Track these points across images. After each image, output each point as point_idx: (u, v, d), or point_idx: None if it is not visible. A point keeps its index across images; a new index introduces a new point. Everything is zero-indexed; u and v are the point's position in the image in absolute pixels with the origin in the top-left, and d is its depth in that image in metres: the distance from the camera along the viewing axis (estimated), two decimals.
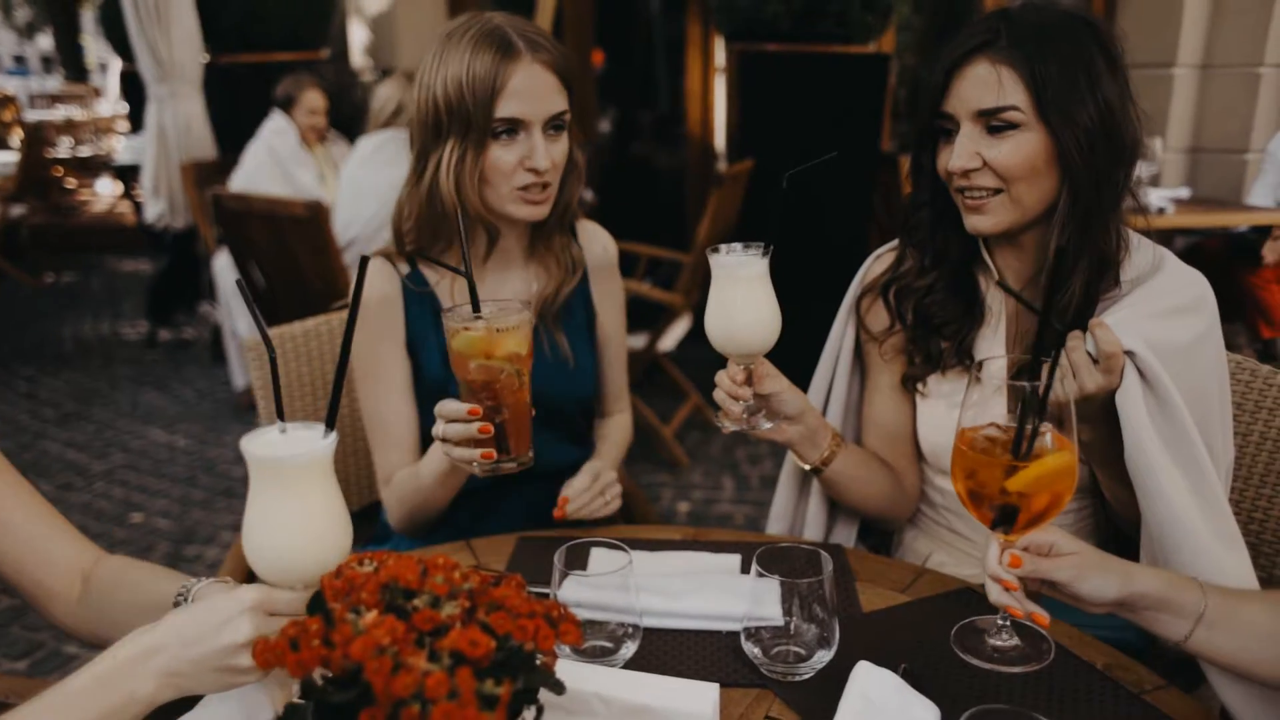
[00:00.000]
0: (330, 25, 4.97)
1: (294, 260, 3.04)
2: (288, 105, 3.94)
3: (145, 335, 5.27)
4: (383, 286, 1.45)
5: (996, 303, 1.35)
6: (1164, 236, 4.48)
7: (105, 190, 9.49)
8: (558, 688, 0.73)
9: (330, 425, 0.86)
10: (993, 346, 1.35)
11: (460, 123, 1.32)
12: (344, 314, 1.84)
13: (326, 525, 0.85)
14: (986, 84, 1.19)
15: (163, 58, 4.18)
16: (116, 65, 12.10)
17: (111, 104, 11.42)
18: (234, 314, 3.89)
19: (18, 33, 20.40)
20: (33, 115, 10.05)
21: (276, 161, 3.77)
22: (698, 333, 3.87)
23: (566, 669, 0.87)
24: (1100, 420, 1.22)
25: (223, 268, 3.76)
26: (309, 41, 4.80)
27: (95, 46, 13.19)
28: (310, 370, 1.81)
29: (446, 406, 1.20)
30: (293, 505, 0.83)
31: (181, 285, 4.89)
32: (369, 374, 1.47)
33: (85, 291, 6.68)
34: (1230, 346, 1.35)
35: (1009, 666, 1.03)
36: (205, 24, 4.34)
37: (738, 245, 1.23)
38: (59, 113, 10.21)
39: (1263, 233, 4.23)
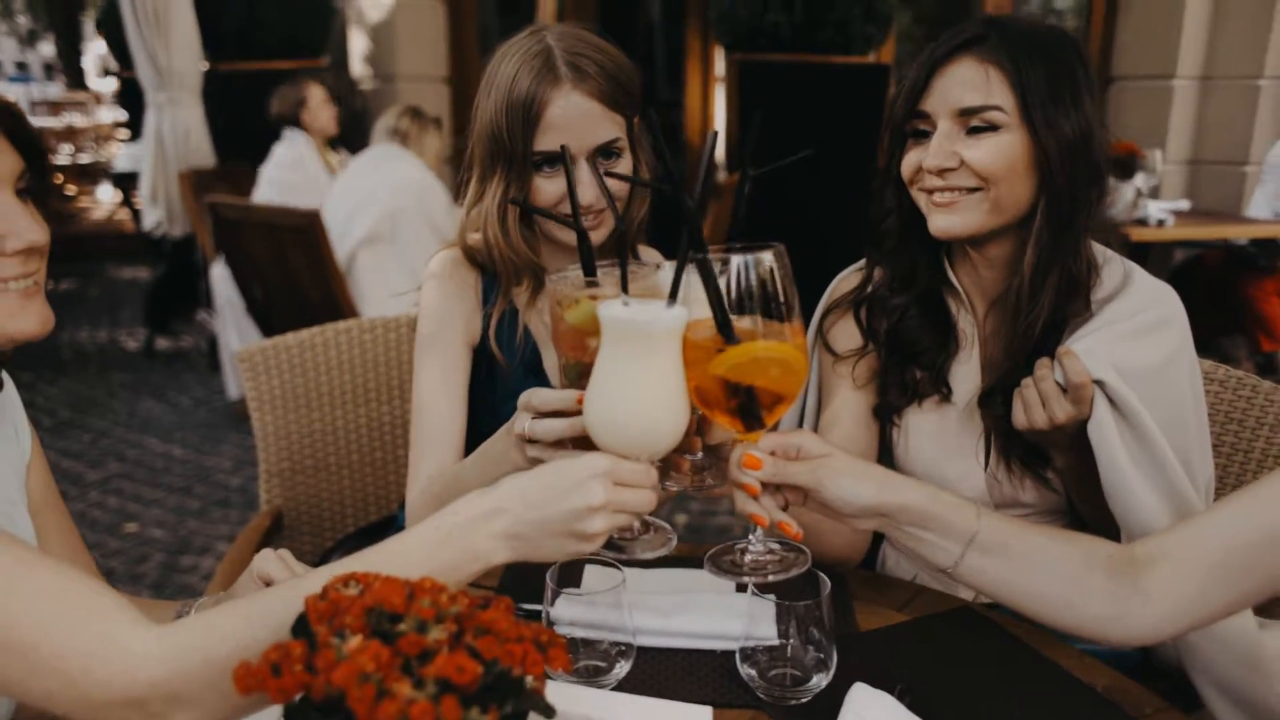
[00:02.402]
0: (330, 33, 4.98)
1: (292, 271, 3.04)
2: (297, 112, 3.92)
3: (143, 343, 5.26)
4: (460, 272, 1.37)
5: (969, 327, 1.33)
6: (1164, 248, 4.50)
7: (105, 197, 9.50)
8: (548, 712, 0.71)
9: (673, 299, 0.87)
10: (968, 374, 1.32)
11: (504, 156, 1.27)
12: (341, 325, 1.83)
13: (676, 396, 0.87)
14: (972, 82, 1.18)
15: (162, 65, 4.19)
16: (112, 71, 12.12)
17: (111, 110, 11.44)
18: (228, 325, 3.89)
19: (19, 40, 20.44)
20: (35, 122, 10.06)
21: (294, 171, 3.80)
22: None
23: (557, 691, 0.86)
24: (1072, 448, 1.21)
25: (220, 277, 3.76)
26: (308, 49, 4.81)
27: (96, 53, 13.22)
28: (305, 382, 1.79)
29: (544, 395, 1.02)
30: (648, 373, 0.86)
31: (179, 293, 4.88)
32: (434, 357, 1.35)
33: (84, 299, 6.68)
34: (1229, 359, 1.35)
35: (764, 576, 0.96)
36: (204, 31, 4.35)
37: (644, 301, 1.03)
38: (60, 120, 10.22)
39: (1262, 245, 4.24)
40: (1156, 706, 1.01)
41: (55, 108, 11.38)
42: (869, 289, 1.36)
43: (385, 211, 3.24)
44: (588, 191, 1.25)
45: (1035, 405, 1.18)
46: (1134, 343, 1.18)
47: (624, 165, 1.30)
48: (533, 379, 1.36)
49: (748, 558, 0.99)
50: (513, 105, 1.24)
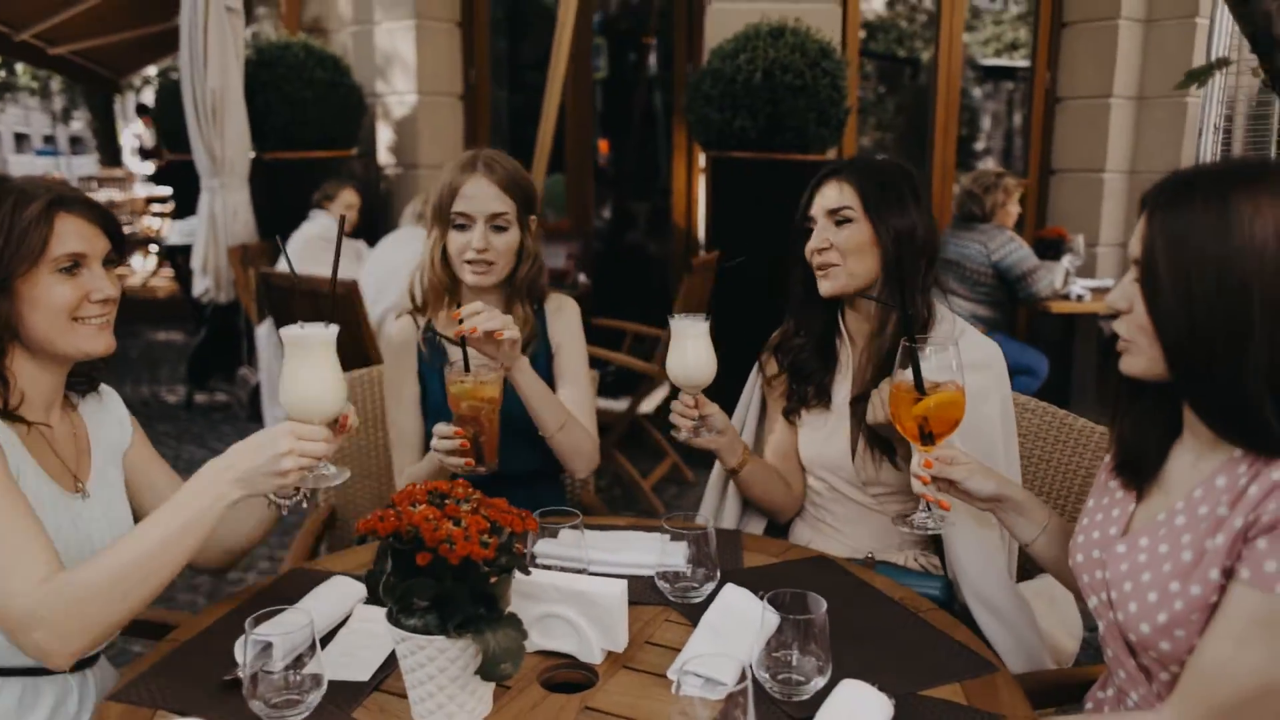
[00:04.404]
0: (360, 128, 5.65)
1: None
2: (326, 201, 4.60)
3: (183, 398, 5.83)
4: (402, 333, 2.03)
5: (846, 358, 1.90)
6: (1089, 321, 5.06)
7: (137, 265, 10.18)
8: (524, 568, 1.25)
9: (331, 321, 1.38)
10: (843, 389, 1.90)
11: (438, 218, 1.93)
12: (378, 369, 2.40)
13: (332, 382, 1.35)
14: (835, 194, 1.79)
15: (217, 155, 4.83)
16: (136, 144, 12.88)
17: (144, 186, 12.20)
18: (269, 379, 4.47)
19: (53, 116, 21.49)
20: None
21: (317, 243, 4.42)
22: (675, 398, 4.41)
23: (536, 574, 1.38)
24: (902, 440, 1.77)
25: (264, 336, 4.34)
26: (341, 142, 5.46)
27: (133, 132, 13.98)
28: (357, 408, 2.35)
29: (441, 429, 1.74)
30: (311, 368, 1.33)
31: (219, 353, 5.47)
32: (392, 395, 2.05)
33: (125, 359, 7.25)
34: None
35: (925, 530, 1.54)
36: (254, 125, 5.00)
37: (691, 315, 1.73)
38: (100, 195, 10.96)
39: None
40: (929, 608, 1.54)
41: (94, 183, 12.13)
42: (785, 335, 1.95)
43: (409, 284, 3.85)
44: (479, 242, 1.87)
45: (876, 407, 1.74)
46: None
47: (508, 236, 1.91)
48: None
49: (917, 518, 1.54)
50: (445, 184, 1.92)
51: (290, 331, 1.35)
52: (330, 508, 2.30)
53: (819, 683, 1.24)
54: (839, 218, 1.78)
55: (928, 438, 1.49)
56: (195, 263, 5.02)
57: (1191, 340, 1.10)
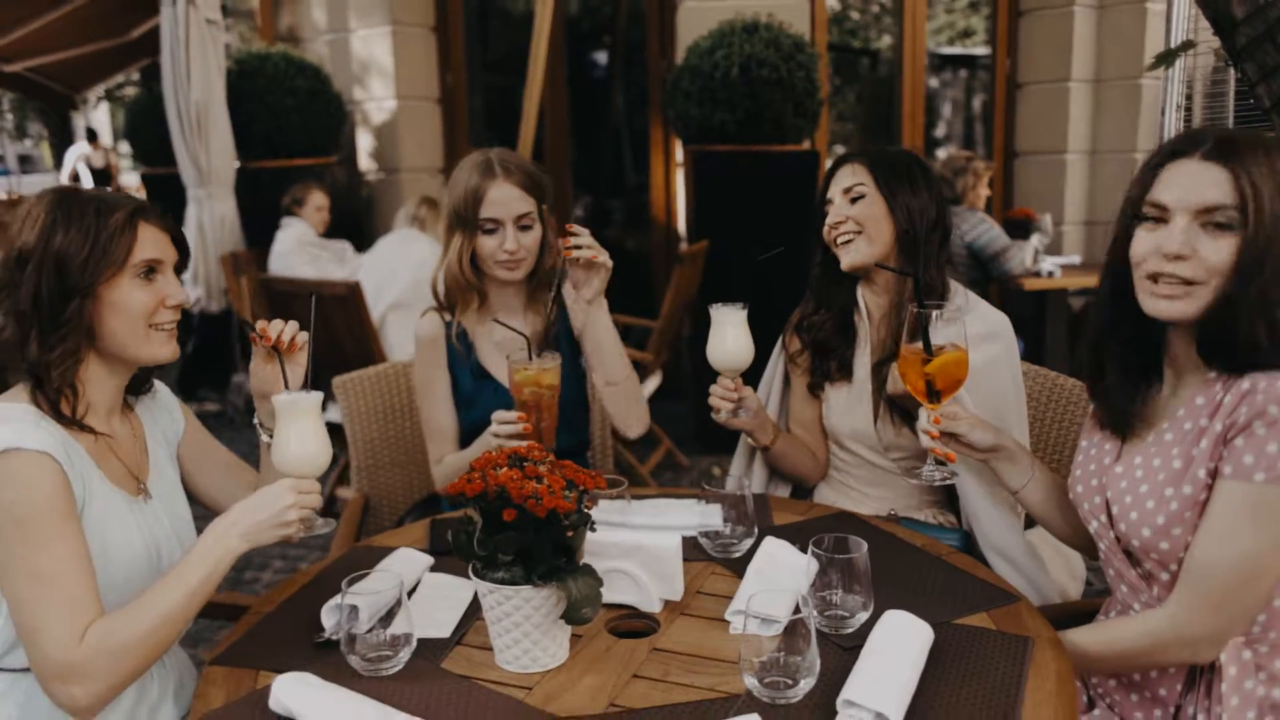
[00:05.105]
0: (341, 135, 5.71)
1: (332, 331, 3.70)
2: (296, 206, 4.72)
3: None
4: (430, 330, 2.12)
5: (865, 332, 2.04)
6: (1059, 296, 5.26)
7: None
8: (592, 526, 1.37)
9: (310, 387, 1.48)
10: (863, 362, 2.03)
11: (462, 223, 2.01)
12: (402, 364, 2.50)
13: (322, 440, 1.43)
14: (848, 174, 1.94)
15: (202, 165, 4.88)
16: (83, 166, 12.84)
17: None
18: None
19: (9, 135, 21.13)
20: None
21: (302, 247, 4.50)
22: (667, 388, 4.55)
23: (596, 533, 1.50)
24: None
25: None
26: (323, 149, 5.53)
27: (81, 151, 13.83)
28: (381, 402, 2.46)
29: (502, 415, 1.85)
30: (301, 429, 1.41)
31: (209, 362, 5.51)
32: (424, 389, 2.13)
33: None
34: None
35: (932, 480, 1.67)
36: (238, 135, 5.06)
37: (730, 303, 1.83)
38: None
39: None
40: (950, 551, 1.68)
41: None
42: (805, 313, 2.08)
43: (409, 283, 3.96)
44: (511, 243, 1.97)
45: (895, 378, 1.88)
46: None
47: (534, 231, 2.02)
48: (479, 379, 2.11)
49: (925, 471, 1.67)
50: (468, 191, 1.99)
51: (281, 399, 1.44)
52: (364, 497, 2.40)
53: (863, 617, 1.38)
54: (854, 195, 1.92)
55: (934, 396, 1.63)
56: (186, 273, 5.06)
57: (1269, 267, 1.23)
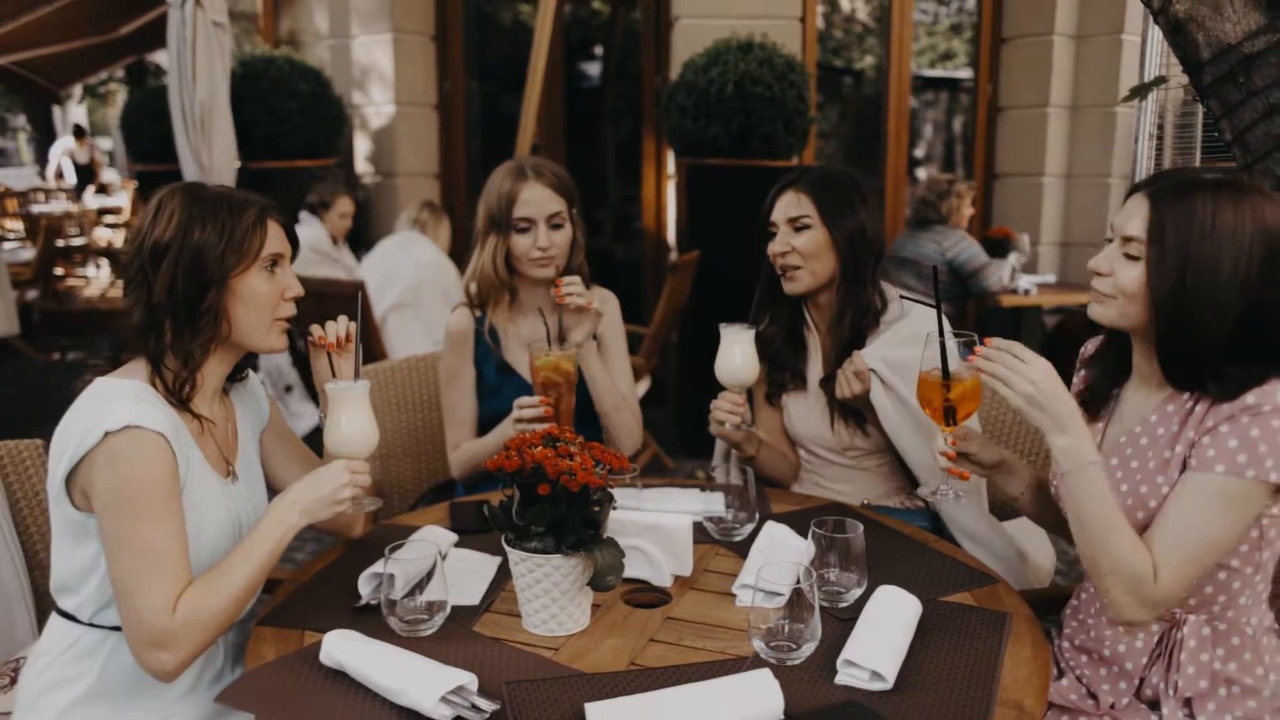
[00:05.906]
0: (340, 137, 5.81)
1: None
2: (321, 208, 4.75)
3: None
4: (461, 324, 2.25)
5: (814, 345, 2.17)
6: (1034, 314, 5.45)
7: (91, 275, 10.12)
8: (614, 503, 1.50)
9: (357, 376, 1.60)
10: (814, 370, 2.17)
11: (496, 225, 2.15)
12: (413, 359, 2.62)
13: (369, 426, 1.55)
14: (794, 202, 2.06)
15: (205, 164, 4.95)
16: (67, 161, 12.84)
17: (96, 198, 12.09)
18: (284, 375, 4.62)
19: None
20: (34, 210, 10.69)
21: (312, 251, 4.58)
22: (655, 393, 4.68)
23: (621, 511, 1.63)
24: (869, 408, 2.05)
25: None
26: (323, 150, 5.62)
27: (66, 146, 13.82)
28: (393, 394, 2.57)
29: (524, 400, 1.99)
30: (352, 415, 1.53)
31: None
32: (450, 380, 2.26)
33: (91, 367, 7.25)
34: None
35: (947, 496, 1.71)
36: (240, 135, 5.13)
37: (738, 323, 1.95)
38: (50, 206, 10.85)
39: None
40: (934, 539, 1.82)
41: (41, 195, 11.98)
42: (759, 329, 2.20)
43: (410, 284, 4.07)
44: (544, 241, 2.13)
45: (843, 383, 2.02)
46: (901, 348, 2.00)
47: (565, 230, 2.15)
48: (503, 373, 2.24)
49: (941, 488, 1.70)
50: (501, 193, 2.13)
51: (332, 387, 1.55)
52: (376, 484, 2.51)
53: (856, 592, 1.52)
54: (798, 225, 2.04)
55: (951, 419, 1.69)
56: None
57: (1177, 301, 1.39)
